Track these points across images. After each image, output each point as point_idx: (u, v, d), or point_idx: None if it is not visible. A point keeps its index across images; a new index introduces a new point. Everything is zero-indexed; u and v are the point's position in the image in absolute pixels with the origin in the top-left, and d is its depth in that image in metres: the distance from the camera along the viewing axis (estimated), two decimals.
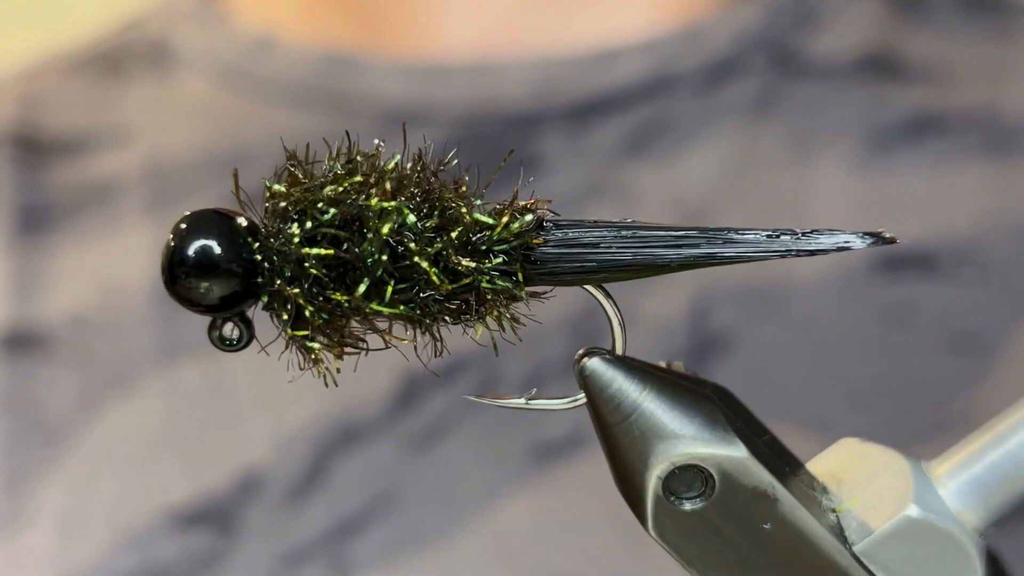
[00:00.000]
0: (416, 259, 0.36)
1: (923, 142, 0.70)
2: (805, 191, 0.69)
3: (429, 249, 0.36)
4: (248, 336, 0.37)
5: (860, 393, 0.65)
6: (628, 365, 0.37)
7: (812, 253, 0.37)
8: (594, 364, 0.37)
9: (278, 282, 0.36)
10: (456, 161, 0.37)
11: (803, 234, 0.37)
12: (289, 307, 0.36)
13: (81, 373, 0.69)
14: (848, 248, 0.37)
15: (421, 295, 0.36)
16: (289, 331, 0.36)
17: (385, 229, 0.36)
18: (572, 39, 0.73)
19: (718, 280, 0.67)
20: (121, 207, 0.74)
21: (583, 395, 0.37)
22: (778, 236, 0.37)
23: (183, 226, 0.36)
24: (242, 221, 0.36)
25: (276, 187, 0.37)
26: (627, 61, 0.72)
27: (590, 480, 0.63)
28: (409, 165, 0.37)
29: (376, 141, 0.37)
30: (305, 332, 0.36)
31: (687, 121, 0.71)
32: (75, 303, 0.71)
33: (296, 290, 0.36)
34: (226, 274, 0.36)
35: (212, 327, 0.37)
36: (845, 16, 0.74)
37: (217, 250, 0.36)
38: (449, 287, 0.36)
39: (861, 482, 0.38)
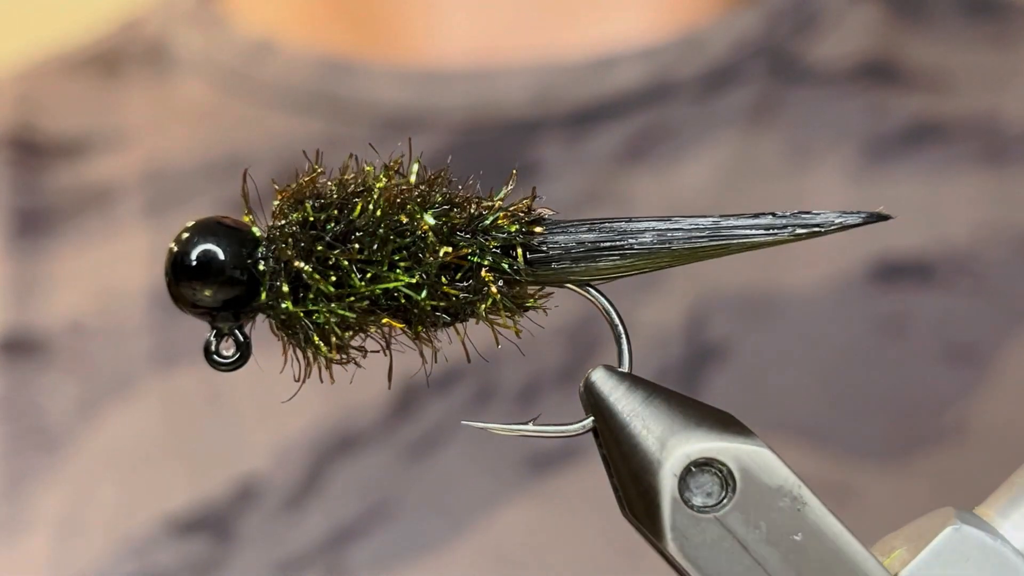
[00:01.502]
0: (417, 217, 0.36)
1: (921, 150, 0.70)
2: (803, 198, 0.69)
3: (431, 218, 0.36)
4: (245, 354, 0.37)
5: (856, 402, 0.65)
6: (634, 377, 0.36)
7: (813, 232, 0.36)
8: (598, 374, 0.36)
9: (282, 246, 0.36)
10: (461, 185, 0.37)
11: (794, 214, 0.36)
12: (291, 274, 0.36)
13: (80, 378, 0.69)
14: (845, 225, 0.36)
15: (422, 257, 0.36)
16: (290, 305, 0.36)
17: (383, 185, 0.36)
18: (571, 46, 0.73)
19: (715, 290, 0.67)
20: (119, 211, 0.74)
21: (590, 419, 0.36)
22: (776, 218, 0.36)
23: (186, 235, 0.36)
24: (245, 225, 0.37)
25: (283, 188, 0.37)
26: (626, 68, 0.72)
27: (585, 489, 0.63)
28: (414, 178, 0.37)
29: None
30: (307, 308, 0.36)
31: (686, 128, 0.71)
32: (73, 308, 0.71)
33: (301, 263, 0.36)
34: (229, 280, 0.36)
35: (208, 348, 0.37)
36: (845, 22, 0.74)
37: (221, 256, 0.36)
38: (448, 250, 0.36)
39: (900, 544, 0.36)
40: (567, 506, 0.63)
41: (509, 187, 0.37)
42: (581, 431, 0.36)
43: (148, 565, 0.63)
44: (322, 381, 0.37)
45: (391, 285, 0.36)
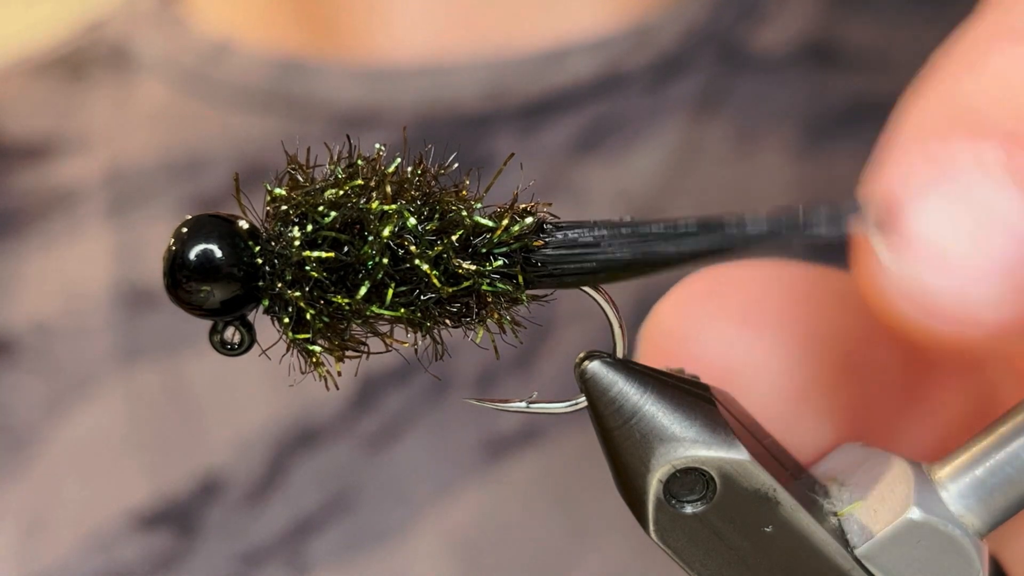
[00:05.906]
0: (417, 262, 0.35)
1: (861, 128, 0.71)
2: (749, 180, 0.70)
3: (430, 252, 0.35)
4: (249, 340, 0.37)
5: None
6: (629, 368, 0.36)
7: (811, 236, 0.34)
8: (595, 367, 0.36)
9: (279, 285, 0.35)
10: (456, 165, 0.37)
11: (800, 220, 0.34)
12: (290, 310, 0.35)
13: (45, 378, 0.69)
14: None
15: (422, 298, 0.35)
16: (290, 334, 0.35)
17: (386, 232, 0.35)
18: (523, 39, 0.74)
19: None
20: (82, 212, 0.74)
21: (583, 398, 0.37)
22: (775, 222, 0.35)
23: (184, 230, 0.35)
24: (243, 224, 0.36)
25: (277, 191, 0.36)
26: (578, 60, 0.73)
27: (540, 473, 0.64)
28: (409, 169, 0.36)
29: (377, 146, 0.36)
30: (306, 335, 0.35)
31: (637, 118, 0.72)
32: (38, 308, 0.71)
33: (297, 293, 0.35)
34: (227, 278, 0.35)
35: (213, 331, 0.36)
36: (788, 7, 0.75)
37: (218, 253, 0.35)
38: (449, 290, 0.35)
39: (863, 486, 0.37)
40: (521, 489, 0.63)
41: (505, 220, 0.36)
42: (573, 408, 0.37)
43: (113, 559, 0.64)
44: (318, 379, 0.37)
45: (393, 315, 0.36)
